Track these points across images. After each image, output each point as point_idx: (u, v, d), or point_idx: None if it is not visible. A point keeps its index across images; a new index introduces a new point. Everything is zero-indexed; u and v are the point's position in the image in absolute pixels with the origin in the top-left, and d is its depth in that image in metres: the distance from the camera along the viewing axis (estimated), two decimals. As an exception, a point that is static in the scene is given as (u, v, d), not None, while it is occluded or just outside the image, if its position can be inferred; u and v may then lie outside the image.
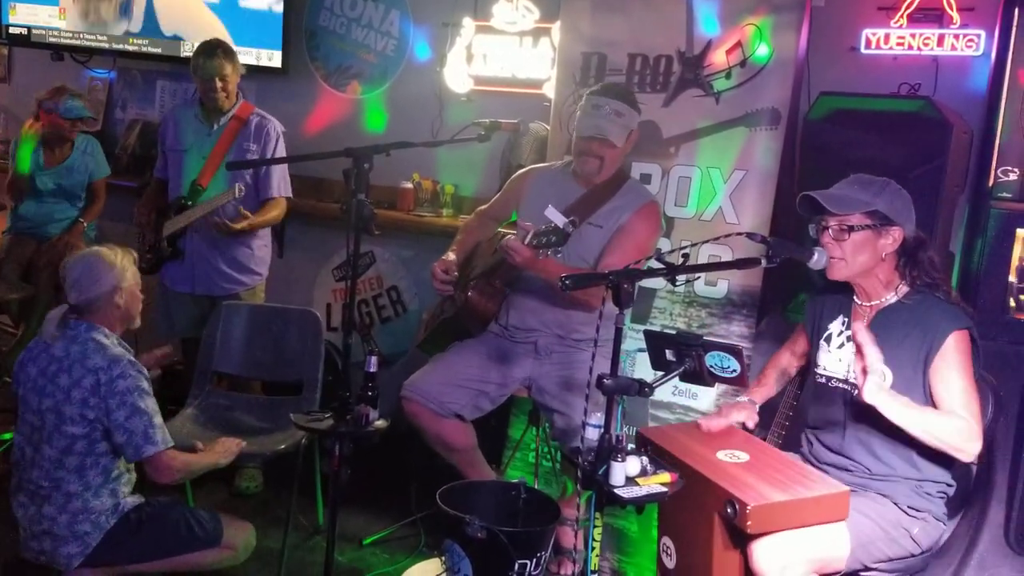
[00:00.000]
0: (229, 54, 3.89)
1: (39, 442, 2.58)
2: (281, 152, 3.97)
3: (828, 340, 2.63)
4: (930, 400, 2.41)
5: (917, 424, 2.31)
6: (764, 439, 3.01)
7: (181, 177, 3.93)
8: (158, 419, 2.61)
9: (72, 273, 2.64)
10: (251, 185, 3.87)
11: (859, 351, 2.28)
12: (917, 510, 2.46)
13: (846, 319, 2.59)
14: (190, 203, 3.85)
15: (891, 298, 2.50)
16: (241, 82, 4.83)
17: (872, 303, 2.53)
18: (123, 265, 2.67)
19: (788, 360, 2.84)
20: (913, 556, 2.47)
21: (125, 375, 2.55)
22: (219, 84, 3.83)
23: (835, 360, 2.59)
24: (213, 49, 3.86)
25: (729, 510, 2.22)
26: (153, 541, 2.64)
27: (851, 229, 2.41)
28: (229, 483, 3.83)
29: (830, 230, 2.45)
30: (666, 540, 2.57)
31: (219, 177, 3.86)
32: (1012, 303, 3.05)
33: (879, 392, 2.26)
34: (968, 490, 2.92)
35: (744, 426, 2.67)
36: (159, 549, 2.65)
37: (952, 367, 2.37)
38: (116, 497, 2.61)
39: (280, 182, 3.94)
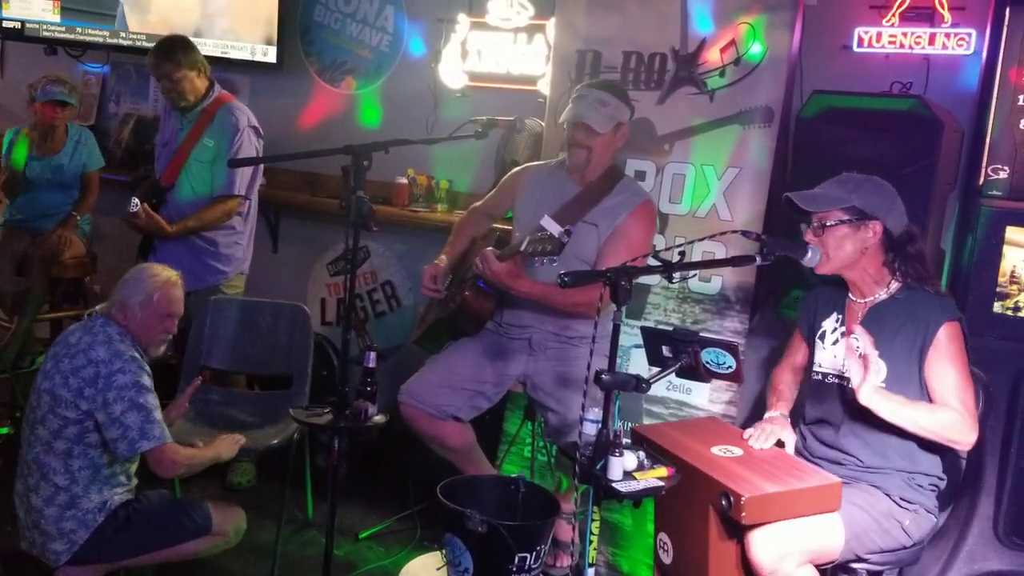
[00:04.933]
0: (177, 55, 3.71)
1: (35, 422, 2.61)
2: (248, 145, 3.81)
3: (823, 337, 2.67)
4: (925, 392, 2.46)
5: (911, 422, 2.40)
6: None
7: (158, 174, 3.92)
8: (157, 414, 2.62)
9: (127, 275, 2.78)
10: (208, 176, 3.77)
11: (849, 351, 2.38)
12: (909, 502, 2.50)
13: (840, 316, 2.64)
14: (155, 201, 3.78)
15: (883, 294, 2.56)
16: (236, 76, 4.83)
17: (866, 299, 2.59)
18: (165, 285, 2.74)
19: (791, 376, 2.87)
20: (905, 548, 2.52)
21: (125, 370, 2.58)
22: (167, 85, 3.74)
23: (830, 356, 2.64)
24: (161, 49, 3.74)
25: (724, 502, 2.28)
26: (142, 536, 2.65)
27: (824, 226, 2.50)
28: (222, 478, 3.84)
29: (812, 228, 2.54)
30: (663, 536, 2.62)
31: (186, 175, 3.80)
32: (1000, 299, 3.09)
33: (874, 395, 2.36)
34: (958, 483, 2.96)
35: (781, 444, 2.67)
36: (149, 543, 2.67)
37: (945, 358, 2.43)
38: (103, 495, 2.62)
39: (239, 180, 3.77)
